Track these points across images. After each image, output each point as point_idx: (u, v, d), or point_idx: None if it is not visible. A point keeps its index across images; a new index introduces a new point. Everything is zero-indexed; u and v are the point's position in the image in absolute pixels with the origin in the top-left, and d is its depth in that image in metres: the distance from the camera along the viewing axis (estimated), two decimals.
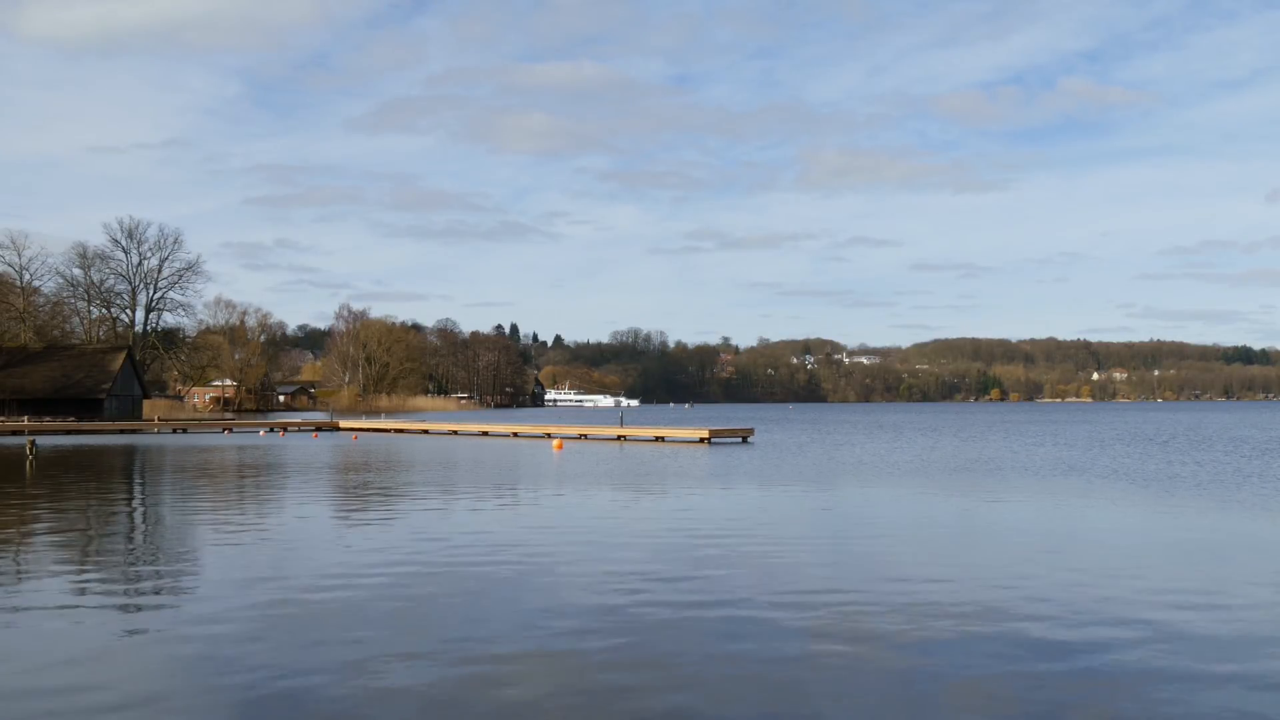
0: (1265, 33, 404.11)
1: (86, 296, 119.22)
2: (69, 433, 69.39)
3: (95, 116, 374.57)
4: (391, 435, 68.34)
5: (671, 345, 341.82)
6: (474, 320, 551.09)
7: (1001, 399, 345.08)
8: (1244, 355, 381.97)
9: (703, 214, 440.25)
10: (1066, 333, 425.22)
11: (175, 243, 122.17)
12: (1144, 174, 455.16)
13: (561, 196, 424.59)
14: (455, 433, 67.97)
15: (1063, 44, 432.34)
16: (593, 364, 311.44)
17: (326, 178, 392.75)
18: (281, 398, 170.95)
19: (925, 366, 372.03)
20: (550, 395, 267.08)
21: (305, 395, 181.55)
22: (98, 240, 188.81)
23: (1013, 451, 45.53)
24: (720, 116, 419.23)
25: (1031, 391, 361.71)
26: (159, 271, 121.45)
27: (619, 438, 57.72)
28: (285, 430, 74.68)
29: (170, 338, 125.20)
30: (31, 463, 38.57)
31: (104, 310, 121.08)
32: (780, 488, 27.80)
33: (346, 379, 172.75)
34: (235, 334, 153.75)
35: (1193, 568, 15.01)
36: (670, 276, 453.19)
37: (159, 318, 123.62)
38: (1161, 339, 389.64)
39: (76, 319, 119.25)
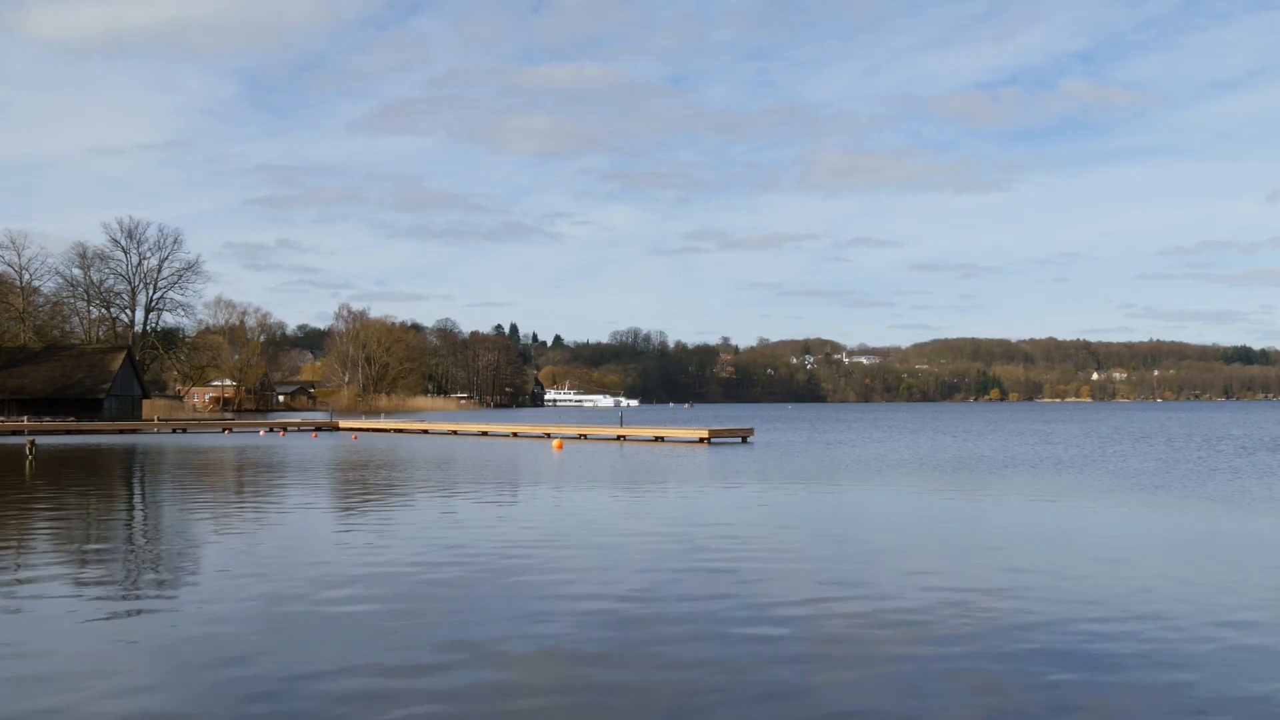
0: (1258, 33, 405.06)
1: (86, 296, 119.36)
2: (69, 433, 69.40)
3: (95, 117, 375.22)
4: (391, 435, 68.33)
5: (671, 345, 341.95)
6: (474, 320, 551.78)
7: (1001, 399, 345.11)
8: (1244, 355, 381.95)
9: (703, 214, 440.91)
10: (1066, 333, 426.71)
11: (175, 243, 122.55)
12: (1142, 174, 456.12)
13: (563, 197, 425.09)
14: (455, 433, 67.97)
15: (1057, 45, 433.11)
16: (592, 364, 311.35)
17: (328, 178, 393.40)
18: (281, 398, 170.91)
19: (925, 366, 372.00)
20: (550, 395, 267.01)
21: (305, 395, 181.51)
22: (97, 240, 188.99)
23: (1009, 450, 45.55)
24: (722, 117, 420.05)
25: (1031, 391, 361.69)
26: (159, 271, 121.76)
27: (619, 438, 57.74)
28: (285, 430, 74.68)
29: (170, 338, 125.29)
30: (31, 463, 38.58)
31: (104, 310, 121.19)
32: (780, 487, 27.81)
33: (346, 379, 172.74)
34: (235, 334, 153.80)
35: (1188, 564, 15.01)
36: (670, 277, 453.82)
37: (159, 318, 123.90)
38: (1161, 339, 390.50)
39: (76, 319, 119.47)
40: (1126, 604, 12.23)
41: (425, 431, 70.52)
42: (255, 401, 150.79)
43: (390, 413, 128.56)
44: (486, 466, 36.40)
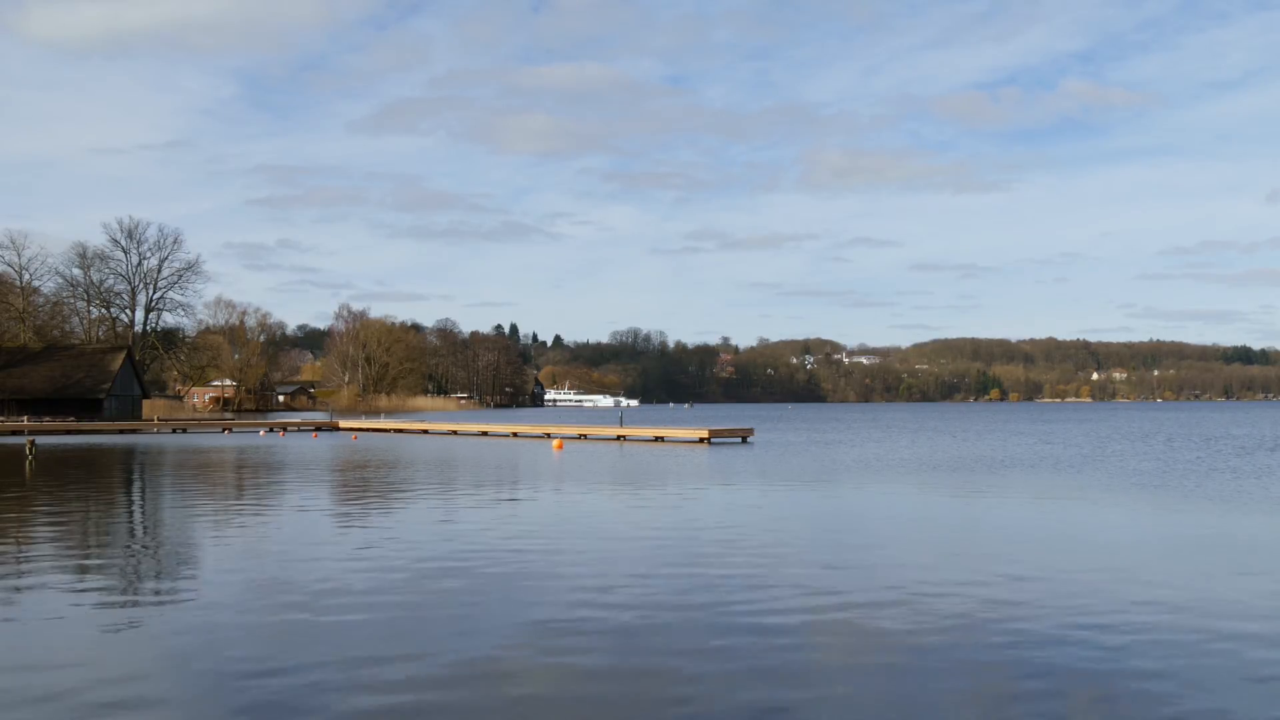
0: (1257, 34, 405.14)
1: (86, 296, 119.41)
2: (69, 433, 69.42)
3: (95, 117, 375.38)
4: (391, 435, 68.36)
5: (671, 345, 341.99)
6: (474, 320, 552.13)
7: (1001, 399, 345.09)
8: (1243, 355, 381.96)
9: (703, 214, 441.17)
10: (1066, 333, 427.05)
11: (175, 243, 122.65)
12: (1142, 174, 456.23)
13: (563, 197, 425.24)
14: (455, 433, 68.00)
15: (1057, 45, 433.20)
16: (592, 364, 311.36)
17: (328, 178, 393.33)
18: (281, 398, 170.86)
19: (925, 366, 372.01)
20: (550, 395, 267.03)
21: (305, 395, 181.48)
22: (97, 240, 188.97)
23: (1008, 450, 45.55)
24: (722, 117, 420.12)
25: (1031, 391, 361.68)
26: (159, 271, 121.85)
27: (619, 438, 57.76)
28: (285, 430, 74.71)
29: (170, 338, 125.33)
30: (31, 463, 38.61)
31: (104, 310, 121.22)
32: (780, 487, 27.84)
33: (346, 379, 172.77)
34: (235, 334, 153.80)
35: (1185, 564, 15.04)
36: (670, 276, 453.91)
37: (159, 318, 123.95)
38: (1161, 339, 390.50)
39: (76, 319, 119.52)
40: (1125, 605, 12.24)
41: (425, 431, 70.55)
42: (255, 401, 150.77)
43: (390, 413, 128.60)
44: (486, 467, 36.43)
